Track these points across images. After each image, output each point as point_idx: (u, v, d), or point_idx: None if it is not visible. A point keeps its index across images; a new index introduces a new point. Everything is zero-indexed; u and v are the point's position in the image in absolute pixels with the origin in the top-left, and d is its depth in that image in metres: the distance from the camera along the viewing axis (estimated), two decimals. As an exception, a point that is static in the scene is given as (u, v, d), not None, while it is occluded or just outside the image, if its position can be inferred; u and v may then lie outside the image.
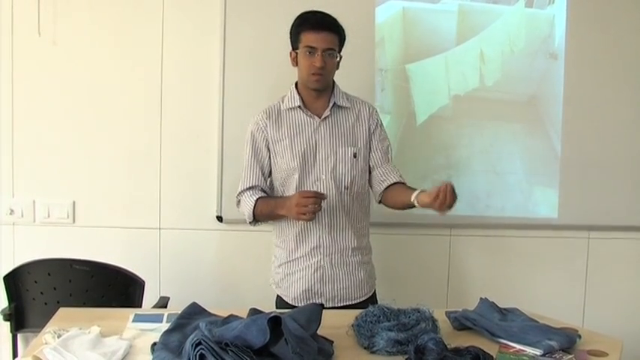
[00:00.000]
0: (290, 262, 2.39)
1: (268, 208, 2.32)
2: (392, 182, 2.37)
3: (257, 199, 2.33)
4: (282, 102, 2.38)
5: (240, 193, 2.39)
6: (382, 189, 2.39)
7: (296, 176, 2.32)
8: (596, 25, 3.08)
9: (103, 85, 2.91)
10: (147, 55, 2.92)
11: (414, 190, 2.22)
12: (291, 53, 2.34)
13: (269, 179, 2.42)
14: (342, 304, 2.36)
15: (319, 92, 2.34)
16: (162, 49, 2.92)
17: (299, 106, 2.34)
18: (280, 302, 2.43)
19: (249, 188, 2.37)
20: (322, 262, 2.35)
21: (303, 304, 2.31)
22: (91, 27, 2.88)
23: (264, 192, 2.38)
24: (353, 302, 2.37)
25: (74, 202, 2.96)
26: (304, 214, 2.15)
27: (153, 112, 2.94)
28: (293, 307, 2.34)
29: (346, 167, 2.34)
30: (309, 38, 2.26)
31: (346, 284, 2.38)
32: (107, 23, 2.89)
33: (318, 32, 2.25)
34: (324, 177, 2.33)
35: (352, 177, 2.35)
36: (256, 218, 2.36)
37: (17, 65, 2.88)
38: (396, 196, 2.34)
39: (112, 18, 2.89)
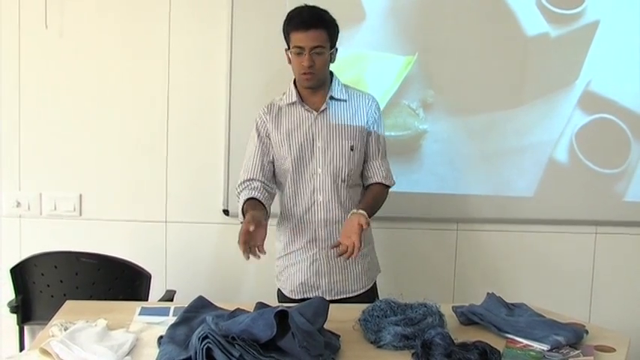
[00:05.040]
0: (287, 255, 2.39)
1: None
2: (373, 182, 2.38)
3: (245, 201, 2.25)
4: (283, 97, 2.37)
5: (239, 184, 2.35)
6: (365, 184, 2.40)
7: (291, 170, 2.32)
8: None
9: (110, 78, 2.91)
10: (154, 48, 2.91)
11: (367, 202, 2.27)
12: (286, 51, 2.31)
13: (272, 172, 2.38)
14: (339, 297, 2.35)
15: (314, 88, 2.33)
16: (169, 42, 2.91)
17: (296, 102, 2.33)
18: (280, 295, 2.44)
19: (245, 181, 2.33)
20: (318, 256, 2.34)
21: (299, 298, 2.33)
22: (97, 19, 2.88)
23: (265, 184, 2.33)
24: (350, 295, 2.37)
25: (81, 195, 2.96)
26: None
27: (160, 105, 2.93)
28: (291, 300, 2.36)
29: (343, 160, 2.32)
30: (296, 38, 2.23)
31: (343, 277, 2.36)
32: (114, 15, 2.88)
33: (304, 31, 2.21)
34: (320, 171, 2.31)
35: (349, 170, 2.33)
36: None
37: (24, 57, 2.88)
38: (362, 197, 2.37)
39: (119, 10, 2.88)
